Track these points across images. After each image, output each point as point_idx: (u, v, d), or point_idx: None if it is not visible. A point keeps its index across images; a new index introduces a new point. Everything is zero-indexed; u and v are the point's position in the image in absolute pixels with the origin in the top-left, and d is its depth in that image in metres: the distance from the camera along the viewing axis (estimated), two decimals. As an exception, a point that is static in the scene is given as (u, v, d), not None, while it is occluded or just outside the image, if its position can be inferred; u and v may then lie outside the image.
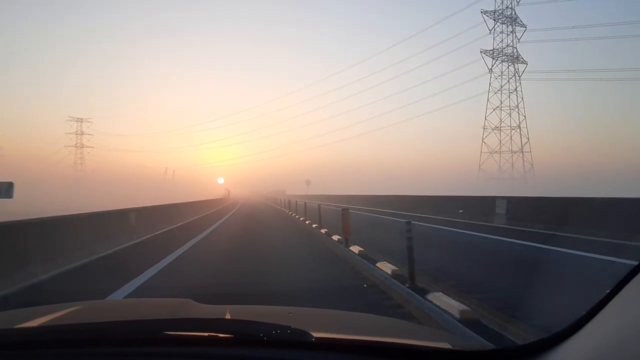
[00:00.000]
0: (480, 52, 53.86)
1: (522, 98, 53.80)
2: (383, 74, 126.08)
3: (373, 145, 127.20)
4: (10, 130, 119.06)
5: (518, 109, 53.70)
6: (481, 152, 55.08)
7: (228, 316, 1.36)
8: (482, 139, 54.85)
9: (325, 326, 1.35)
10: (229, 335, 1.02)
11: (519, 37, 53.05)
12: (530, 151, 53.72)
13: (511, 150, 53.84)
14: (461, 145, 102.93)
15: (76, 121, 78.04)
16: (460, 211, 15.69)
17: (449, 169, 79.41)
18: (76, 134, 77.96)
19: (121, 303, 2.76)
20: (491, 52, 53.98)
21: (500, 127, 54.15)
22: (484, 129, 54.98)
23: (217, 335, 1.02)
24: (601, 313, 0.76)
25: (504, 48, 53.47)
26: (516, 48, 53.40)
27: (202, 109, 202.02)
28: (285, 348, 1.00)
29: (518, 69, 53.96)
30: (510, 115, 53.71)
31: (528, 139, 53.72)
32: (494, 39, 53.76)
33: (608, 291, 0.77)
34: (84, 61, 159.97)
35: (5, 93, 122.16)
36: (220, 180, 68.42)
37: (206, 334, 1.02)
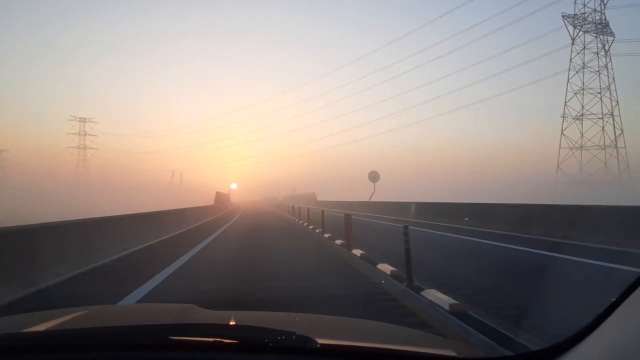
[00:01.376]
0: (563, 16, 48.95)
1: (614, 78, 49.29)
2: (436, 49, 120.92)
3: (431, 140, 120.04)
4: (10, 131, 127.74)
5: (610, 92, 49.17)
6: (560, 147, 50.87)
7: (233, 322, 1.58)
8: (562, 131, 50.75)
9: (330, 333, 1.54)
10: (234, 341, 1.21)
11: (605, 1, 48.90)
12: (625, 146, 48.91)
13: (603, 145, 48.80)
14: (534, 139, 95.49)
15: (79, 121, 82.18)
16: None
17: (520, 170, 72.92)
18: (79, 135, 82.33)
19: (126, 308, 3.08)
20: (572, 18, 49.21)
21: (583, 114, 49.69)
22: (564, 117, 50.74)
23: (222, 341, 1.20)
24: (607, 320, 0.88)
25: (589, 14, 48.99)
26: (604, 14, 48.98)
27: (212, 107, 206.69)
28: (290, 354, 1.18)
29: (607, 41, 49.47)
30: (601, 99, 48.95)
31: (622, 130, 49.14)
32: (575, 1, 49.34)
33: (614, 299, 0.89)
34: (86, 59, 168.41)
35: (4, 91, 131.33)
36: (233, 186, 68.84)
37: (211, 339, 1.21)
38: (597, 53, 49.80)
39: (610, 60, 49.77)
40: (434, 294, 4.81)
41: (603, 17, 49.29)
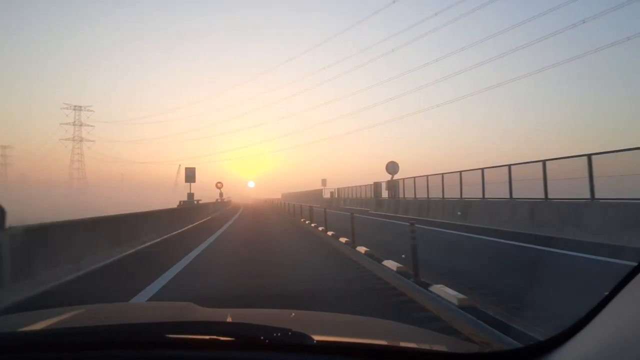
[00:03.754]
0: None
1: None
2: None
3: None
4: (5, 126, 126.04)
5: None
6: None
7: (229, 319, 1.62)
8: None
9: (327, 329, 1.58)
10: (230, 338, 1.24)
11: None
12: None
13: None
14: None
15: (74, 109, 77.03)
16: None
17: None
18: (74, 125, 79.14)
19: (123, 306, 3.14)
20: None
21: None
22: None
23: (218, 339, 1.23)
24: (601, 314, 0.91)
25: None
26: None
27: (217, 86, 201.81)
28: (286, 351, 1.21)
29: None
30: None
31: None
32: None
33: (607, 293, 0.91)
34: (82, 44, 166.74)
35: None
36: (251, 184, 66.32)
37: (207, 337, 1.24)
38: None
39: None
40: None
41: None
